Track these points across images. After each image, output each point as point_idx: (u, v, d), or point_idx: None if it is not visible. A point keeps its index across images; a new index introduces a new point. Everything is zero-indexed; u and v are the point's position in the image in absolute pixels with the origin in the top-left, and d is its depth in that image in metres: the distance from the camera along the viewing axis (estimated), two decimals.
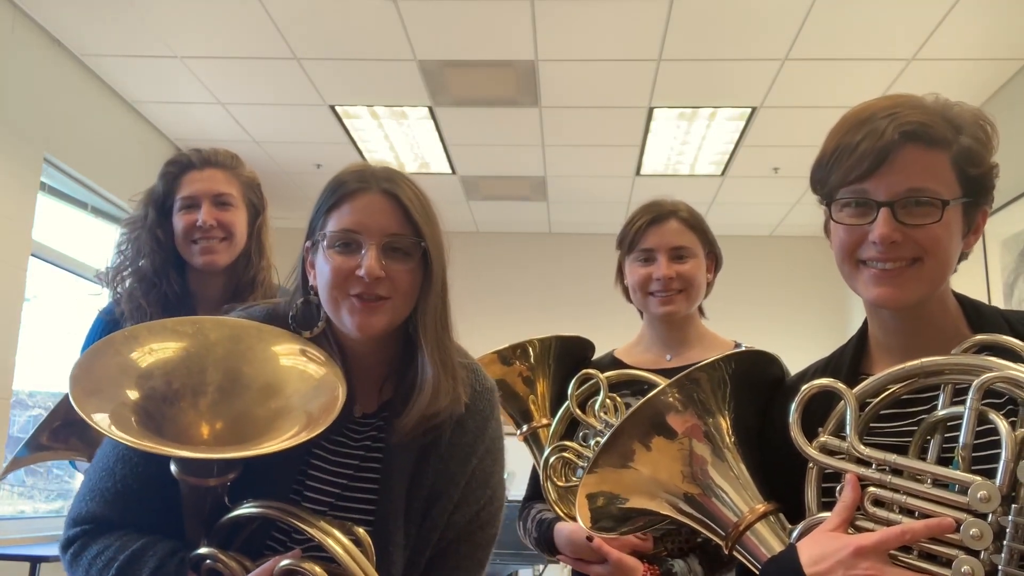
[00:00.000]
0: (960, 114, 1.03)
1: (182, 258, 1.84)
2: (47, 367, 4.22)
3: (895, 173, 0.99)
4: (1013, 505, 0.84)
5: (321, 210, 1.18)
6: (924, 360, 0.95)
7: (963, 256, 1.07)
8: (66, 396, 1.80)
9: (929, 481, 0.90)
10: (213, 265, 1.81)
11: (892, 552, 0.89)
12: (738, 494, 1.04)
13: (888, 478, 0.92)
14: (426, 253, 1.16)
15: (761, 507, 1.03)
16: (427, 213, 1.18)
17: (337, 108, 4.64)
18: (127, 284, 1.83)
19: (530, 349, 1.76)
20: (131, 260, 1.84)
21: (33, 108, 3.83)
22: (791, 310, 6.30)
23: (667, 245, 1.66)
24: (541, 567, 4.62)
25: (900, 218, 0.99)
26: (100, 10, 3.70)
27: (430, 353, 1.16)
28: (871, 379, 0.98)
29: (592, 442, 1.54)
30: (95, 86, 4.33)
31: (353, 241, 1.14)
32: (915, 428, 0.97)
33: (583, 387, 1.59)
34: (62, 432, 1.86)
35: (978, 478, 0.86)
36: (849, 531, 0.93)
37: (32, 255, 3.85)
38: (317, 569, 1.02)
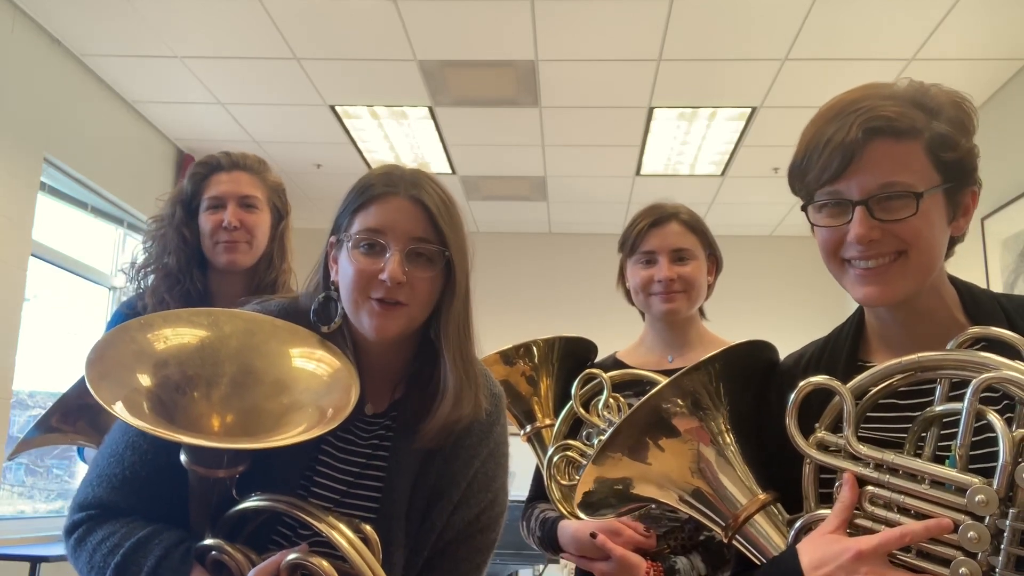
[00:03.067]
0: (936, 96, 1.02)
1: (206, 257, 1.88)
2: (47, 367, 4.22)
3: (865, 170, 0.98)
4: (1011, 510, 0.84)
5: (348, 209, 1.18)
6: (921, 355, 0.94)
7: (958, 240, 1.06)
8: (80, 380, 1.81)
9: (927, 481, 0.90)
10: (235, 265, 1.85)
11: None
12: (736, 486, 1.05)
13: (886, 477, 0.92)
14: (449, 262, 1.16)
15: (760, 497, 1.03)
16: (452, 220, 1.18)
17: (337, 108, 4.64)
18: (151, 280, 1.88)
19: (534, 349, 1.76)
20: (156, 257, 1.89)
21: (33, 108, 3.83)
22: (791, 310, 6.30)
23: (668, 247, 1.68)
24: (541, 567, 4.62)
25: (876, 215, 0.98)
26: (100, 10, 3.70)
27: (452, 361, 1.17)
28: (867, 374, 0.98)
29: (595, 441, 1.54)
30: (95, 86, 4.33)
31: (377, 244, 1.14)
32: (911, 420, 0.97)
33: (587, 387, 1.59)
34: (72, 415, 1.88)
35: (976, 480, 0.86)
36: (848, 531, 0.93)
37: (32, 255, 3.85)
38: (324, 564, 1.02)
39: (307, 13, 3.69)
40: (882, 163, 0.98)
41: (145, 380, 1.08)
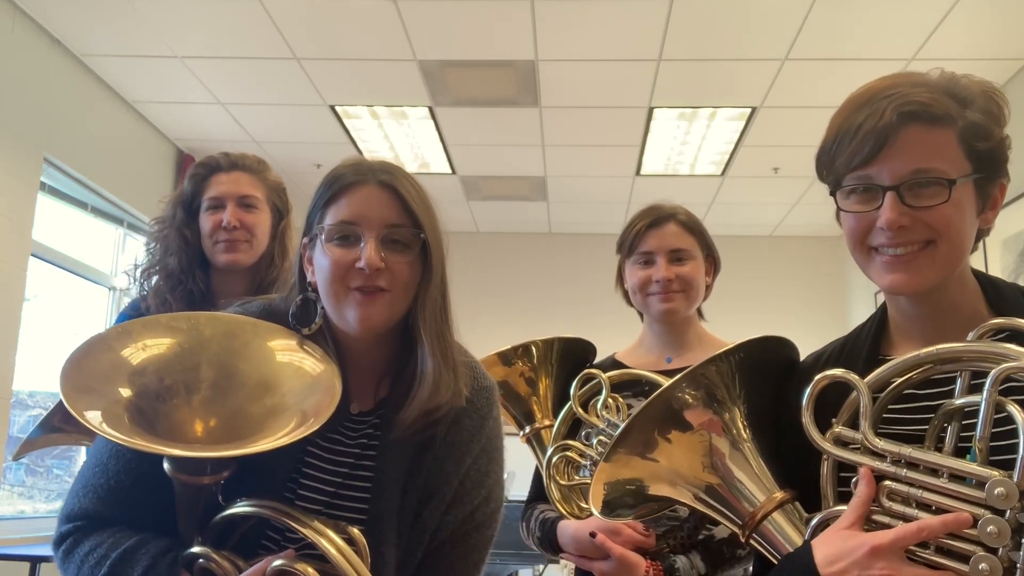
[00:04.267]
0: (967, 87, 1.00)
1: (208, 257, 1.89)
2: (47, 367, 4.22)
3: (898, 155, 0.96)
4: None
5: (318, 205, 1.17)
6: (940, 347, 0.92)
7: (984, 232, 1.04)
8: None
9: (945, 475, 0.88)
10: (235, 264, 1.86)
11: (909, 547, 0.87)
12: (754, 483, 1.03)
13: (903, 472, 0.90)
14: (425, 245, 1.15)
15: (778, 495, 1.01)
16: (425, 204, 1.17)
17: (337, 108, 4.64)
18: (154, 280, 1.89)
19: (533, 350, 1.76)
20: (159, 258, 1.90)
21: (33, 108, 3.83)
22: (791, 310, 6.30)
23: (666, 247, 1.68)
24: (541, 567, 4.62)
25: (907, 201, 0.96)
26: (100, 10, 3.70)
27: (430, 345, 1.15)
28: (885, 367, 0.96)
29: (595, 441, 1.54)
30: (95, 86, 4.33)
31: (352, 233, 1.13)
32: (931, 413, 0.95)
33: (585, 387, 1.59)
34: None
35: (996, 473, 0.84)
36: (865, 526, 0.91)
37: (32, 255, 3.85)
38: (310, 570, 1.01)
39: (307, 13, 3.69)
40: (915, 148, 0.96)
41: (124, 391, 1.06)
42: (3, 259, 3.61)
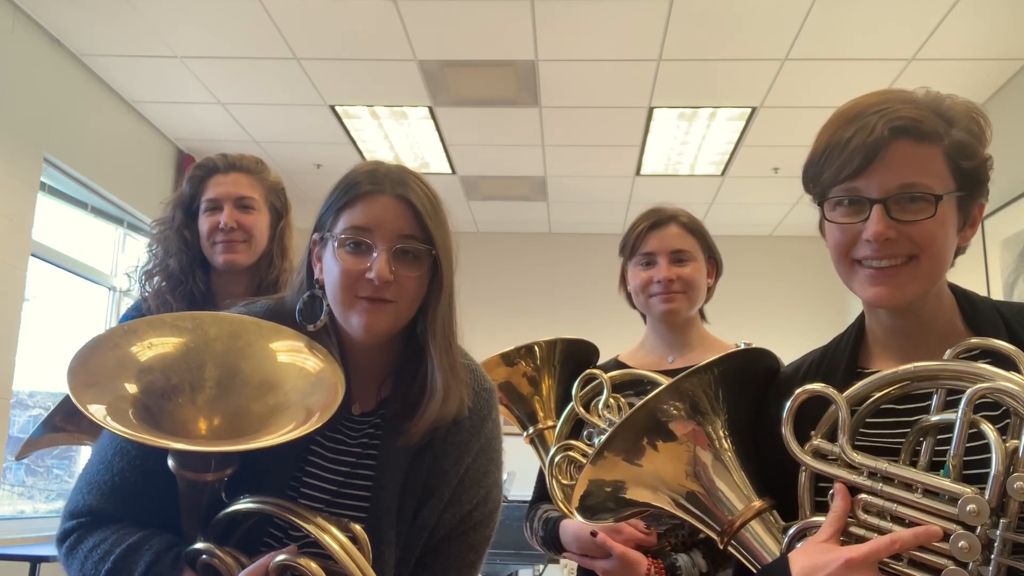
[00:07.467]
0: (952, 107, 1.02)
1: (207, 258, 1.91)
2: (47, 367, 4.22)
3: (887, 169, 0.98)
4: (1001, 520, 0.84)
5: (332, 207, 1.17)
6: (917, 365, 0.94)
7: (961, 250, 1.06)
8: None
9: (920, 490, 0.90)
10: (234, 265, 1.87)
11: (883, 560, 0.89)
12: (733, 492, 1.05)
13: (879, 486, 0.92)
14: (436, 260, 1.16)
15: (756, 504, 1.03)
16: (438, 217, 1.18)
17: (337, 108, 4.64)
18: (155, 282, 1.91)
19: (536, 350, 1.77)
20: (160, 259, 1.92)
21: (33, 108, 3.83)
22: (791, 310, 6.31)
23: (667, 249, 1.70)
24: (541, 567, 4.62)
25: (893, 215, 0.98)
26: (100, 10, 3.70)
27: (439, 359, 1.16)
28: (864, 382, 0.98)
29: (596, 440, 1.54)
30: (95, 86, 4.33)
31: (363, 243, 1.13)
32: (908, 427, 0.97)
33: (587, 387, 1.60)
34: (76, 414, 1.89)
35: (968, 490, 0.86)
36: (842, 539, 0.93)
37: (32, 255, 3.85)
38: (313, 565, 1.02)
39: (307, 13, 3.69)
40: (904, 163, 0.97)
41: (129, 387, 1.07)
42: (3, 259, 3.61)
